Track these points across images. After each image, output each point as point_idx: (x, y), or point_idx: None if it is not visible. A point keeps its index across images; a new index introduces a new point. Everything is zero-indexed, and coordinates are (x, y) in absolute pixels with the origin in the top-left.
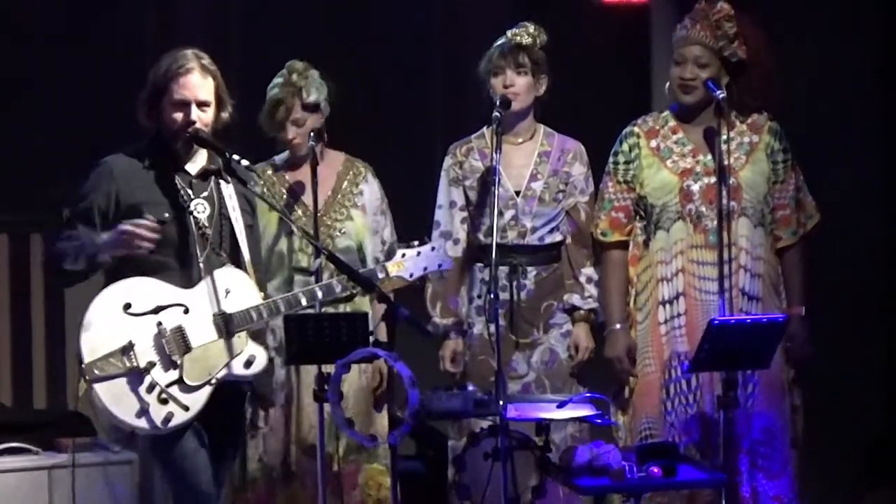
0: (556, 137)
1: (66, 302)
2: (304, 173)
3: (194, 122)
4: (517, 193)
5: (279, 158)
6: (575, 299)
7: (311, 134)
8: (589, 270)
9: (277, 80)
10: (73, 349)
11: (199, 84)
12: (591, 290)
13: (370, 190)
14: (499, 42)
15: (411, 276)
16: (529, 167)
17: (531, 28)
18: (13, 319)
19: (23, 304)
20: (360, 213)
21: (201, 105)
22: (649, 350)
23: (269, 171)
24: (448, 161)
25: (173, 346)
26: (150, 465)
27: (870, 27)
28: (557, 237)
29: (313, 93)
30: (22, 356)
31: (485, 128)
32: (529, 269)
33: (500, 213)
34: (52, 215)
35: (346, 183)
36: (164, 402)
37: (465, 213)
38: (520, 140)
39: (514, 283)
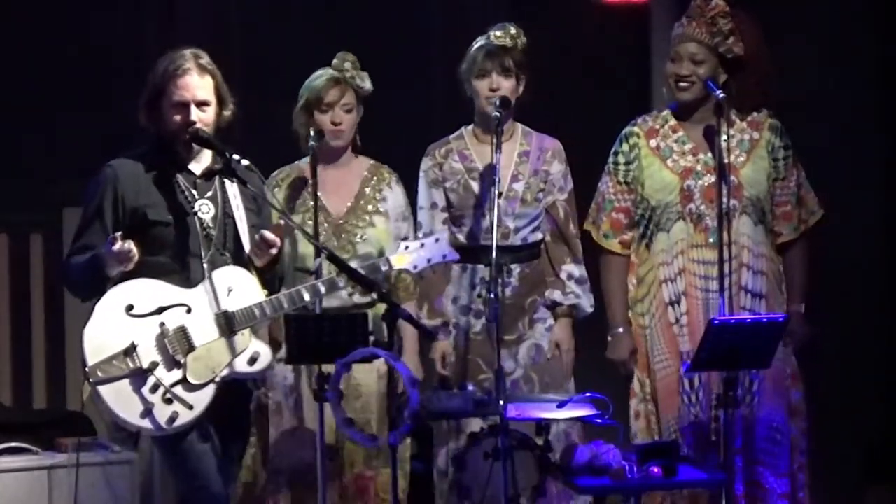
0: (534, 136)
1: (66, 302)
2: (327, 175)
3: (194, 123)
4: (499, 194)
5: (302, 161)
6: (556, 295)
7: (312, 133)
8: (570, 267)
9: (325, 69)
10: (78, 352)
11: (197, 84)
12: (572, 286)
13: (394, 196)
14: (479, 44)
15: (416, 268)
16: (510, 167)
17: (513, 30)
18: (13, 319)
19: (23, 304)
20: (383, 219)
21: (201, 105)
22: (664, 352)
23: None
24: (427, 163)
25: (176, 346)
26: (151, 465)
27: (868, 23)
28: (539, 236)
29: (367, 81)
30: (22, 356)
31: (463, 128)
32: (514, 266)
33: (483, 215)
34: (52, 215)
35: (370, 189)
36: (168, 401)
37: (446, 215)
38: None
39: (500, 281)
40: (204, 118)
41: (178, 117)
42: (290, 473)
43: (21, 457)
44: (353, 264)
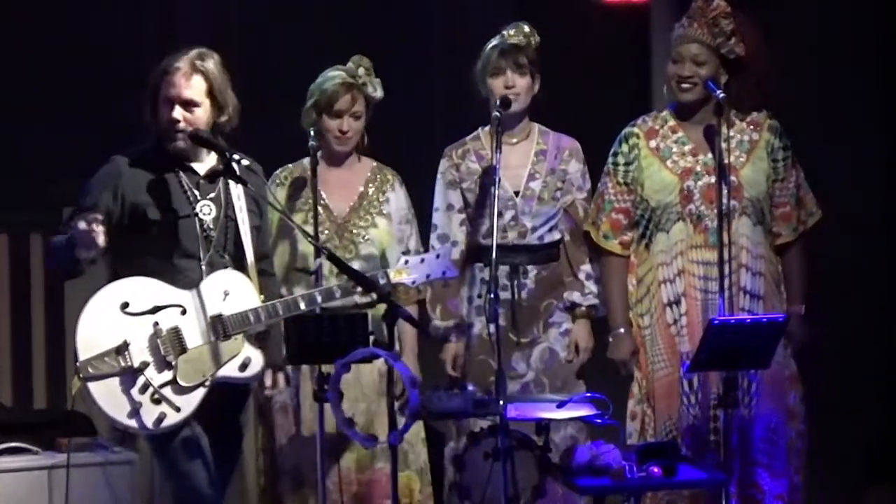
0: (551, 135)
1: (66, 302)
2: (331, 175)
3: (178, 121)
4: (516, 194)
5: (306, 159)
6: (575, 296)
7: (312, 132)
8: (588, 267)
9: (337, 71)
10: (71, 346)
11: (183, 84)
12: (591, 286)
13: (397, 198)
14: (494, 43)
15: (414, 282)
16: (527, 167)
17: (526, 28)
18: (13, 319)
19: (23, 304)
20: (386, 220)
21: (186, 104)
22: (662, 353)
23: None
24: (444, 164)
25: (168, 347)
26: (151, 465)
27: (869, 23)
28: (556, 236)
29: (379, 89)
30: (22, 356)
31: (480, 129)
32: (530, 268)
33: (500, 214)
34: (52, 215)
35: (373, 190)
36: (157, 402)
37: (463, 216)
38: (514, 140)
39: (515, 283)
40: (190, 118)
41: (165, 114)
42: (298, 473)
43: (21, 457)
44: (355, 264)
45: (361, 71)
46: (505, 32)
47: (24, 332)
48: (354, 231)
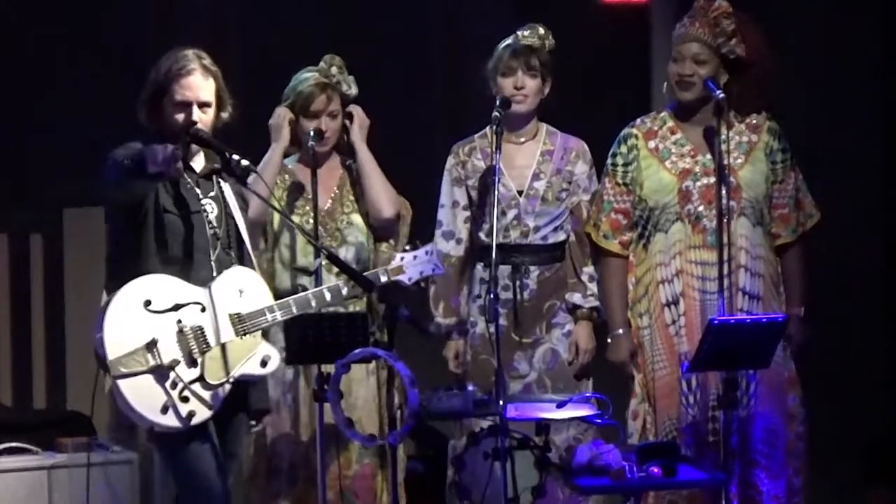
0: (559, 136)
1: (66, 302)
2: (307, 171)
3: (196, 123)
4: (520, 193)
5: (288, 161)
6: (576, 298)
7: (311, 133)
8: (591, 269)
9: (310, 72)
10: (95, 344)
11: (200, 85)
12: (594, 288)
13: None
14: (507, 42)
15: (410, 279)
16: (532, 167)
17: (541, 30)
18: (13, 319)
19: (23, 304)
20: None
21: (202, 106)
22: (661, 353)
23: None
24: (451, 161)
25: (194, 345)
26: (151, 465)
27: (870, 25)
28: (561, 236)
29: (353, 87)
30: (22, 356)
31: (488, 127)
32: (532, 268)
33: (503, 213)
34: (52, 215)
35: (350, 180)
36: (185, 399)
37: (468, 213)
38: (522, 140)
39: (517, 283)
40: (204, 119)
41: (179, 117)
42: (290, 472)
43: (21, 457)
44: (342, 251)
45: (334, 70)
46: (519, 33)
47: (24, 332)
48: (338, 218)
